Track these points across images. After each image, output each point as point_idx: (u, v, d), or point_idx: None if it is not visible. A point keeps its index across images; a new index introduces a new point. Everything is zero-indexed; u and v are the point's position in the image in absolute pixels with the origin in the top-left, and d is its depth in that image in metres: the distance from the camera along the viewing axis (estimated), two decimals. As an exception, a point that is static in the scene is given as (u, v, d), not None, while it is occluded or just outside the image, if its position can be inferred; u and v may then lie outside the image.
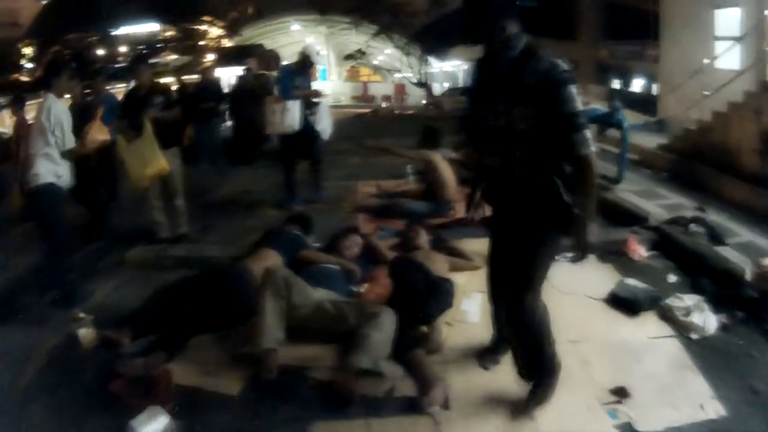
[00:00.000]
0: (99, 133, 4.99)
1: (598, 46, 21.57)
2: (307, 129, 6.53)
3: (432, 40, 26.82)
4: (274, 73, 10.66)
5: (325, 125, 6.83)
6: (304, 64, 6.66)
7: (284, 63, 8.68)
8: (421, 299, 3.50)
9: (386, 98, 26.91)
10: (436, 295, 3.60)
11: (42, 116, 4.26)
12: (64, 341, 3.76)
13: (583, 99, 2.56)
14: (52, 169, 4.29)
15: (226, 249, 5.11)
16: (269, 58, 10.41)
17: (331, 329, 3.33)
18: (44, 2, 36.11)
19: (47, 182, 4.27)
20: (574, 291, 3.98)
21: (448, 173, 5.89)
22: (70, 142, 4.35)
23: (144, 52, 29.99)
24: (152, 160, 5.28)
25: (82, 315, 3.81)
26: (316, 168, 6.95)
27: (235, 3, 35.59)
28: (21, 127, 6.54)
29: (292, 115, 6.30)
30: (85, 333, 3.68)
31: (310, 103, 6.58)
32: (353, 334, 3.16)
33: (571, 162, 2.45)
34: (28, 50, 32.45)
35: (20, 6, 40.54)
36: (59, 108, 4.32)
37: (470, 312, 3.75)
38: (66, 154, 4.34)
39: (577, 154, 2.39)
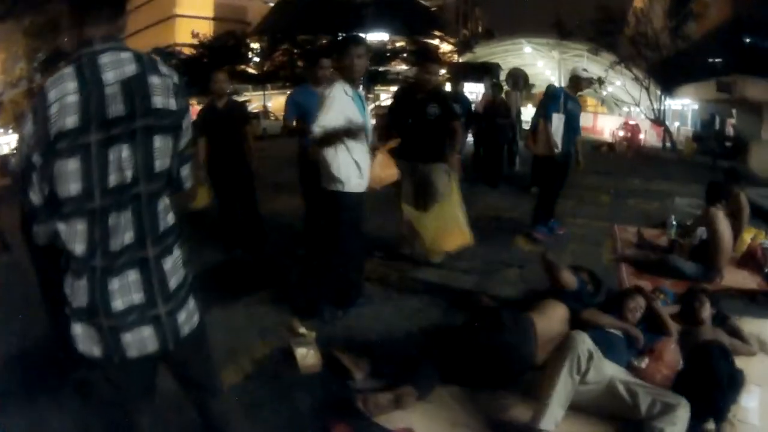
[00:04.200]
0: (386, 168, 3.99)
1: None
2: (564, 154, 6.12)
3: (668, 75, 24.56)
4: (521, 93, 10.35)
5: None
6: (574, 87, 6.27)
7: (554, 85, 8.38)
8: (723, 393, 2.91)
9: (617, 134, 25.09)
10: (733, 389, 3.00)
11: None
12: (279, 353, 3.42)
13: None
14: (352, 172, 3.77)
15: (481, 282, 4.63)
16: (517, 76, 10.01)
17: (618, 413, 2.78)
18: (272, 4, 39.59)
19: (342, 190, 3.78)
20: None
21: (728, 237, 4.97)
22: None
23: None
24: (458, 229, 4.31)
25: (303, 330, 3.38)
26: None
27: (465, 21, 36.02)
28: None
29: (556, 136, 5.93)
30: (305, 354, 3.23)
31: (572, 129, 6.09)
32: (644, 425, 2.64)
33: None
34: (255, 45, 35.05)
35: (249, 5, 45.37)
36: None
37: (750, 410, 3.05)
38: None
39: None
